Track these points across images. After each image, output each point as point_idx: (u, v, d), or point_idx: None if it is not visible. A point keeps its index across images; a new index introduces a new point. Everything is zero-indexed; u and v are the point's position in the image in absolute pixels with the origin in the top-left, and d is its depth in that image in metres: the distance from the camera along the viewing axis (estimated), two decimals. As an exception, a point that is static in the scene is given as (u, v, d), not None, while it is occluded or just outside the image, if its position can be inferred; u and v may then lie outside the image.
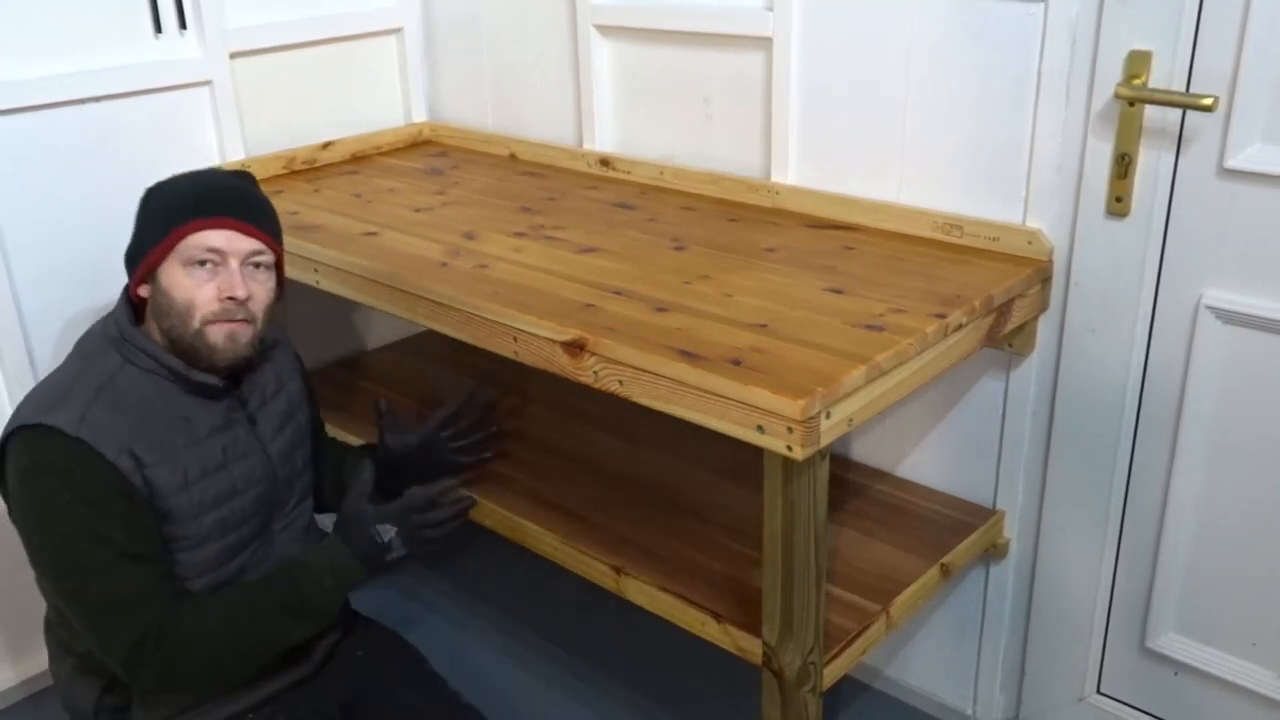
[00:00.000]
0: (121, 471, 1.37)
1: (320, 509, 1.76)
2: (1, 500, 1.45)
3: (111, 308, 1.50)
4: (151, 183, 1.50)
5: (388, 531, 1.48)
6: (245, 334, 1.46)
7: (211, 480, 1.46)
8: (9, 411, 1.96)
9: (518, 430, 2.08)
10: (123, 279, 1.49)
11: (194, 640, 1.39)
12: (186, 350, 1.44)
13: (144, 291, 1.46)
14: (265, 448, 1.54)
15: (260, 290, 1.47)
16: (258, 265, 1.46)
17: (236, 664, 1.46)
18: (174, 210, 1.43)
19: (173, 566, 1.44)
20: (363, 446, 1.86)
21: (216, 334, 1.43)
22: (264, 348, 1.53)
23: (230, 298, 1.42)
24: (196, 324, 1.42)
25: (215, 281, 1.42)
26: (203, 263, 1.41)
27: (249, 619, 1.42)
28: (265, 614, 1.43)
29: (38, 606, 1.55)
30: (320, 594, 1.47)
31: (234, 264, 1.43)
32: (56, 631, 1.55)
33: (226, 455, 1.48)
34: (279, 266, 1.52)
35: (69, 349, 1.51)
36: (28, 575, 1.45)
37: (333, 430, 1.96)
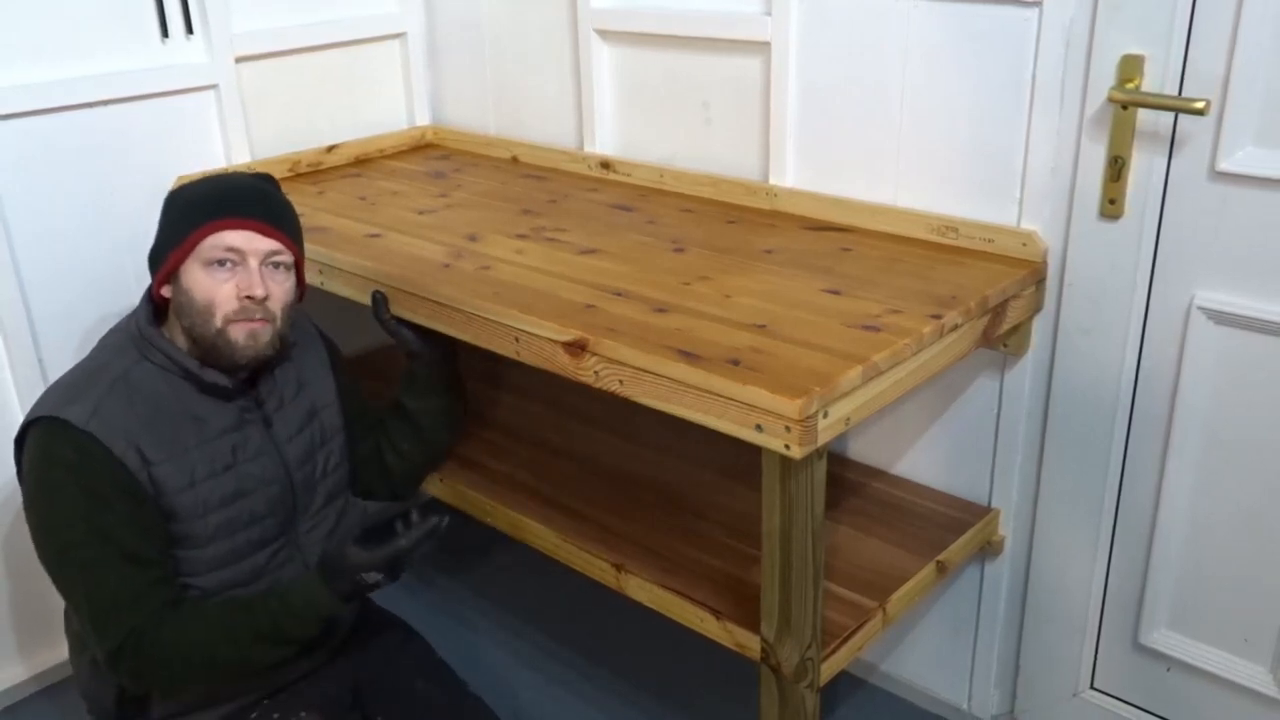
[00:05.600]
0: (128, 468, 1.39)
1: (368, 495, 1.79)
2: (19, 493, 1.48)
3: (121, 309, 1.52)
4: (166, 186, 1.51)
5: (373, 577, 1.45)
6: (265, 333, 1.47)
7: (219, 480, 1.48)
8: (18, 412, 2.01)
9: (520, 430, 2.11)
10: (134, 279, 1.51)
11: (172, 654, 1.41)
12: (209, 349, 1.46)
13: (167, 292, 1.48)
14: (280, 449, 1.56)
15: (278, 290, 1.48)
16: (276, 265, 1.48)
17: (209, 679, 1.48)
18: (194, 211, 1.45)
19: (173, 569, 1.45)
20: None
21: (238, 332, 1.45)
22: (284, 347, 1.54)
23: (249, 296, 1.44)
24: (218, 323, 1.44)
25: (234, 281, 1.44)
26: (222, 262, 1.44)
27: (227, 642, 1.43)
28: (243, 640, 1.44)
29: (47, 602, 1.57)
30: (298, 627, 1.46)
31: (253, 263, 1.45)
32: (76, 626, 1.58)
33: (236, 456, 1.50)
34: (298, 268, 1.54)
35: (78, 350, 1.54)
36: (39, 572, 1.47)
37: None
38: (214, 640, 1.43)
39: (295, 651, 1.51)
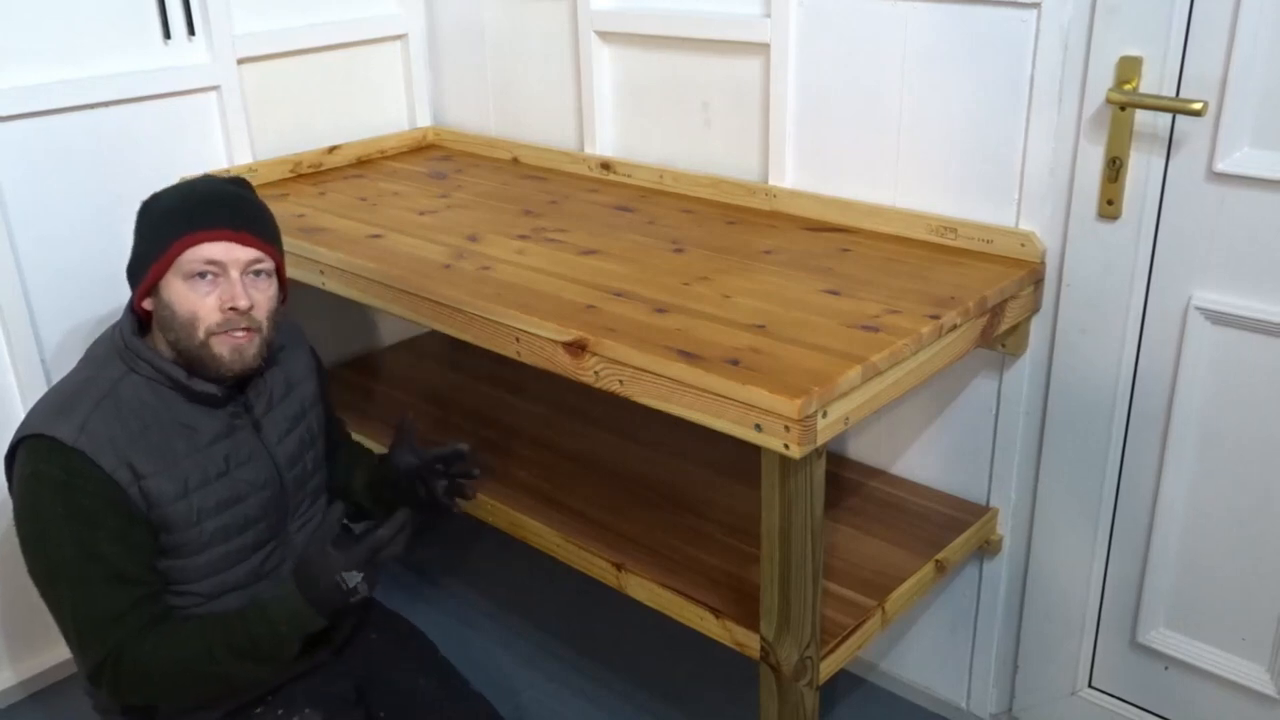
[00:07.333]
0: (119, 484, 1.38)
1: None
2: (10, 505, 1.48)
3: (122, 311, 1.52)
4: (149, 194, 1.50)
5: (354, 578, 1.42)
6: (251, 347, 1.46)
7: (213, 487, 1.47)
8: (20, 412, 2.02)
9: (520, 430, 2.11)
10: (133, 283, 1.51)
11: (151, 670, 1.40)
12: (194, 361, 1.45)
13: (148, 305, 1.46)
14: (270, 452, 1.55)
15: (262, 298, 1.47)
16: (258, 273, 1.46)
17: (189, 696, 1.47)
18: (170, 224, 1.43)
19: (160, 586, 1.45)
20: (380, 456, 1.79)
21: (222, 347, 1.43)
22: (272, 352, 1.54)
23: (233, 308, 1.42)
24: (201, 336, 1.42)
25: (217, 293, 1.42)
26: (203, 275, 1.42)
27: (206, 660, 1.42)
28: (221, 658, 1.42)
29: (36, 609, 1.56)
30: (276, 642, 1.44)
31: (234, 274, 1.43)
32: None
33: (229, 462, 1.49)
34: (280, 272, 1.52)
35: (80, 351, 1.54)
36: (28, 579, 1.47)
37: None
38: (192, 656, 1.41)
39: (273, 670, 1.49)
